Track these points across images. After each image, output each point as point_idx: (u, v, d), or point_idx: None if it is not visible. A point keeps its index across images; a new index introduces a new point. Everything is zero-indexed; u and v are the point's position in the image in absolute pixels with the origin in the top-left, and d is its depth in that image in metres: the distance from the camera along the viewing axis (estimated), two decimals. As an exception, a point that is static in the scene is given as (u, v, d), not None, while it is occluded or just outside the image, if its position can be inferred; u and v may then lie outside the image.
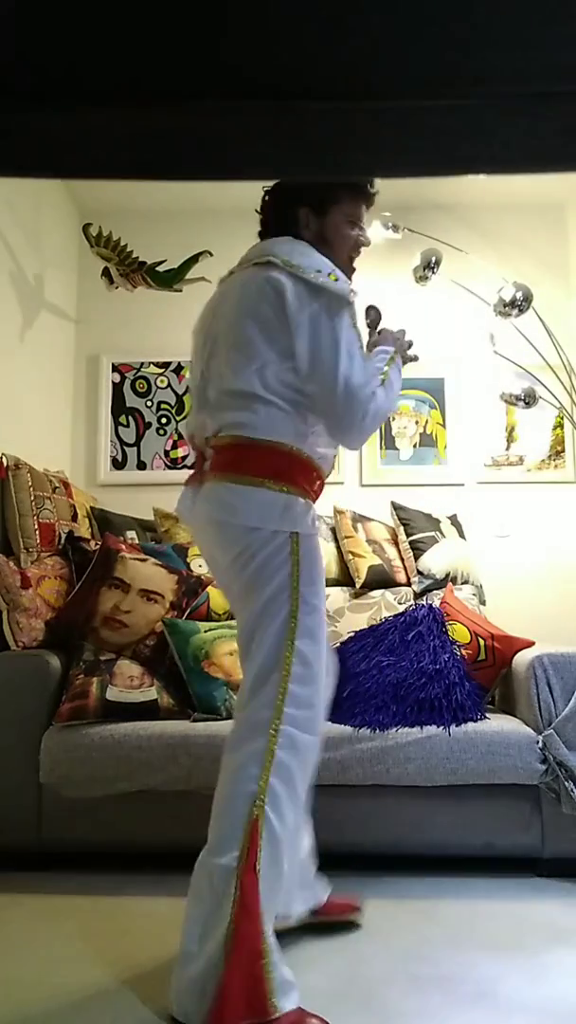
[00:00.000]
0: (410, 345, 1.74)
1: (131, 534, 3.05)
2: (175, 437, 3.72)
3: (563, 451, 3.63)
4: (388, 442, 3.66)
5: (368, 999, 1.56)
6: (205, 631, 2.52)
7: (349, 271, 1.71)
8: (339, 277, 1.56)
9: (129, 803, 2.22)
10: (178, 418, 3.73)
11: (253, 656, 1.52)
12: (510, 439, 3.66)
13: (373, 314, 1.77)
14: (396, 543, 3.26)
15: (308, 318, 1.52)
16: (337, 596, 3.01)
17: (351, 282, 1.63)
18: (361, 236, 1.73)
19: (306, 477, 1.59)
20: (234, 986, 1.36)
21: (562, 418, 3.55)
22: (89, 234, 3.39)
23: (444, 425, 3.69)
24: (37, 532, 2.71)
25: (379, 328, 1.76)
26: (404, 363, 1.71)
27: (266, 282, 1.54)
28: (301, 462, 1.58)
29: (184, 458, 3.69)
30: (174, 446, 3.71)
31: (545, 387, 3.33)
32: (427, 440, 3.67)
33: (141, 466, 3.70)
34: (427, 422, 3.68)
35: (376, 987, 1.61)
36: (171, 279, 3.47)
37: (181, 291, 3.49)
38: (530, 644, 2.50)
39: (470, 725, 2.24)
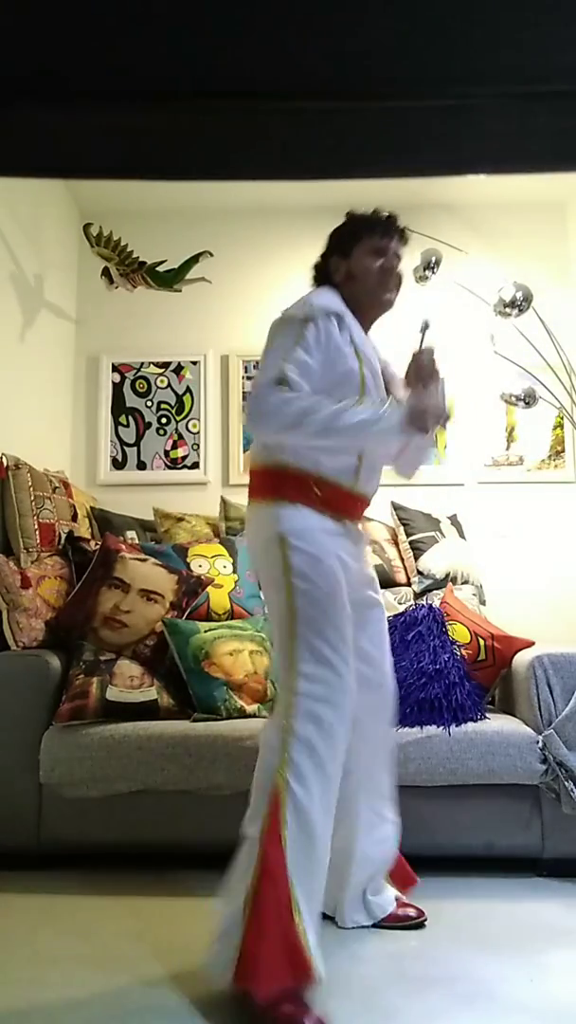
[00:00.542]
0: (439, 420, 1.76)
1: (131, 534, 3.05)
2: (175, 437, 3.72)
3: (563, 451, 3.63)
4: (388, 442, 3.66)
5: (368, 999, 1.56)
6: (205, 631, 2.52)
7: (382, 300, 1.83)
8: (312, 302, 1.72)
9: (129, 803, 2.22)
10: (178, 418, 3.73)
11: (275, 648, 1.75)
12: (510, 439, 3.66)
13: (423, 324, 1.84)
14: (396, 543, 3.26)
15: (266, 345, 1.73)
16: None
17: (388, 310, 1.85)
18: (385, 262, 1.81)
19: (299, 488, 1.72)
20: (261, 948, 1.42)
21: (562, 418, 3.55)
22: (90, 234, 3.39)
23: (444, 425, 3.68)
24: (37, 532, 2.71)
25: (424, 337, 1.83)
26: (417, 433, 1.72)
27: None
28: (296, 477, 1.73)
29: (184, 458, 3.70)
30: (174, 446, 3.71)
31: (545, 387, 3.33)
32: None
33: (141, 466, 3.70)
34: (427, 422, 3.67)
35: (376, 987, 1.61)
36: (171, 279, 3.47)
37: (181, 291, 3.49)
38: (530, 644, 2.50)
39: (470, 725, 2.24)
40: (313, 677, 1.60)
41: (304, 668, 1.61)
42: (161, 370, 3.76)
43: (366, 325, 1.86)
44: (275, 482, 1.74)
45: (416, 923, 1.87)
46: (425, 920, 1.88)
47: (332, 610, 1.65)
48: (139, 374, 3.76)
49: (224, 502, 3.26)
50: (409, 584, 3.13)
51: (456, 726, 2.22)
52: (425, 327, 1.82)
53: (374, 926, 1.86)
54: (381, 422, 1.65)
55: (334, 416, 1.61)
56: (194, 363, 3.75)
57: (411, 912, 1.89)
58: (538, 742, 2.19)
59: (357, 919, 1.86)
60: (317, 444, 1.67)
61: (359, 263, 1.81)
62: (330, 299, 1.77)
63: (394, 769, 1.94)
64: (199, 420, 3.71)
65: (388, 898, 1.89)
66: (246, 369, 3.73)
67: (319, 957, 1.46)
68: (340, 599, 1.66)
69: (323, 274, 1.88)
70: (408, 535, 3.24)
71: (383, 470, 1.91)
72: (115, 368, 3.77)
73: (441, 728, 2.22)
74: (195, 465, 3.68)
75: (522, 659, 2.40)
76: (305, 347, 1.67)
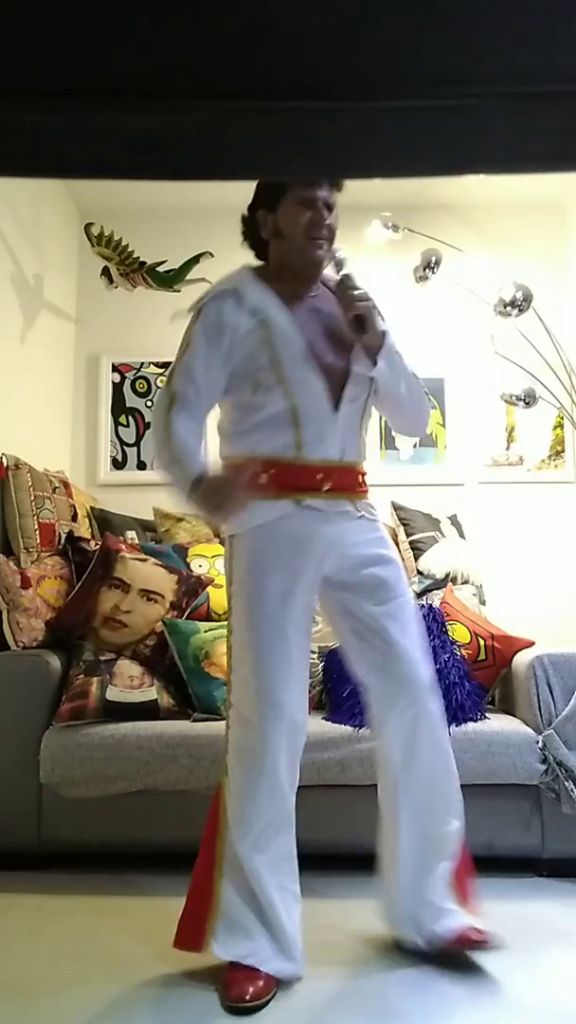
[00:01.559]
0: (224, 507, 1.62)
1: (131, 534, 3.05)
2: (175, 437, 3.71)
3: (563, 451, 3.63)
4: (388, 442, 3.66)
5: (368, 999, 1.56)
6: (205, 631, 2.52)
7: (311, 254, 1.71)
8: (214, 290, 1.72)
9: (129, 803, 2.22)
10: (178, 418, 3.72)
11: None
12: (510, 439, 3.65)
13: (337, 260, 1.75)
14: (396, 543, 3.26)
15: None
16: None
17: (320, 264, 1.73)
18: (314, 214, 1.67)
19: (253, 481, 1.65)
20: (185, 912, 1.65)
21: (562, 418, 3.55)
22: (91, 234, 3.39)
23: (444, 425, 3.68)
24: (37, 532, 2.71)
25: (343, 272, 1.73)
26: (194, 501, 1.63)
27: None
28: (236, 465, 1.67)
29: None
30: (174, 446, 3.70)
31: (545, 387, 3.32)
32: (427, 440, 3.66)
33: (141, 466, 3.70)
34: (427, 422, 3.68)
35: (376, 987, 1.61)
36: (172, 279, 3.47)
37: (179, 291, 3.49)
38: (530, 644, 2.50)
39: (470, 725, 2.24)
40: (236, 686, 1.67)
41: (233, 676, 1.69)
42: (161, 370, 3.76)
43: (300, 285, 1.74)
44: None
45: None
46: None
47: (259, 616, 1.63)
48: (139, 374, 3.76)
49: (224, 502, 3.26)
50: (409, 584, 3.13)
51: (456, 726, 2.22)
52: (340, 263, 1.73)
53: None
54: (176, 485, 1.64)
55: (159, 461, 1.68)
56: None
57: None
58: (538, 742, 2.19)
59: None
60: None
61: (285, 217, 1.70)
62: (228, 277, 1.74)
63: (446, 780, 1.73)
64: (199, 420, 3.71)
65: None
66: (246, 369, 3.73)
67: (227, 933, 1.59)
68: (267, 611, 1.62)
69: (251, 228, 1.79)
70: (408, 535, 3.24)
71: (384, 471, 1.84)
72: (115, 368, 3.77)
73: (441, 728, 2.22)
74: (195, 465, 3.68)
75: (522, 659, 2.40)
76: (191, 346, 1.69)
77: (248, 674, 1.64)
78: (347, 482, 1.72)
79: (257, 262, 1.82)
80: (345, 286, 1.69)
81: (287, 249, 1.73)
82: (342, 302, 1.70)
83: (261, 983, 1.54)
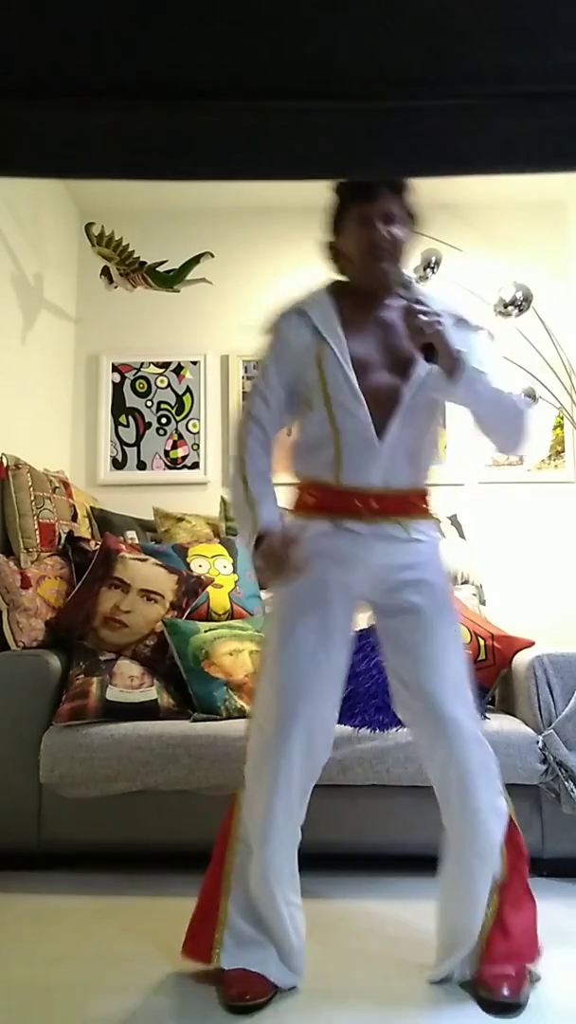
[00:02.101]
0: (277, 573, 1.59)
1: (131, 534, 3.05)
2: (175, 437, 3.72)
3: (563, 451, 3.63)
4: (388, 442, 3.66)
5: (369, 999, 1.56)
6: (205, 631, 2.52)
7: (375, 272, 1.65)
8: (285, 307, 1.70)
9: (129, 803, 2.22)
10: (178, 418, 3.73)
11: None
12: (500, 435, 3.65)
13: (406, 281, 1.71)
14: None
15: None
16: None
17: (387, 281, 1.65)
18: (374, 232, 1.62)
19: (301, 498, 1.70)
20: (193, 920, 1.66)
21: (562, 418, 3.55)
22: (91, 233, 3.39)
23: (444, 425, 3.68)
24: (37, 532, 2.71)
25: (410, 297, 1.63)
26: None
27: None
28: (298, 489, 1.72)
29: (184, 458, 3.69)
30: (174, 446, 3.71)
31: (545, 387, 3.32)
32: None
33: (141, 466, 3.70)
34: (427, 422, 3.67)
35: (377, 987, 1.61)
36: (172, 280, 3.47)
37: (179, 291, 3.49)
38: (530, 644, 2.50)
39: (470, 725, 2.24)
40: (257, 697, 1.68)
41: (258, 683, 1.70)
42: (161, 370, 3.76)
43: (371, 300, 1.68)
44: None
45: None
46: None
47: (286, 636, 1.62)
48: (139, 374, 3.76)
49: (224, 502, 3.26)
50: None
51: (456, 726, 2.22)
52: (406, 286, 1.67)
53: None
54: (242, 528, 1.66)
55: (232, 490, 1.67)
56: (194, 363, 3.75)
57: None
58: (538, 742, 2.19)
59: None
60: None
61: (347, 239, 1.67)
62: (304, 294, 1.71)
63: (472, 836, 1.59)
64: (199, 420, 3.71)
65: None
66: (246, 369, 3.73)
67: (234, 944, 1.59)
68: (297, 624, 1.61)
69: (331, 256, 1.75)
70: (408, 535, 3.23)
71: (418, 456, 1.67)
72: (115, 368, 3.77)
73: (441, 728, 2.21)
74: (195, 465, 3.68)
75: (522, 659, 2.39)
76: (265, 366, 1.69)
77: (269, 684, 1.62)
78: (394, 507, 1.64)
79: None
80: (411, 312, 1.58)
81: (353, 269, 1.69)
82: (408, 331, 1.60)
83: (259, 985, 1.55)
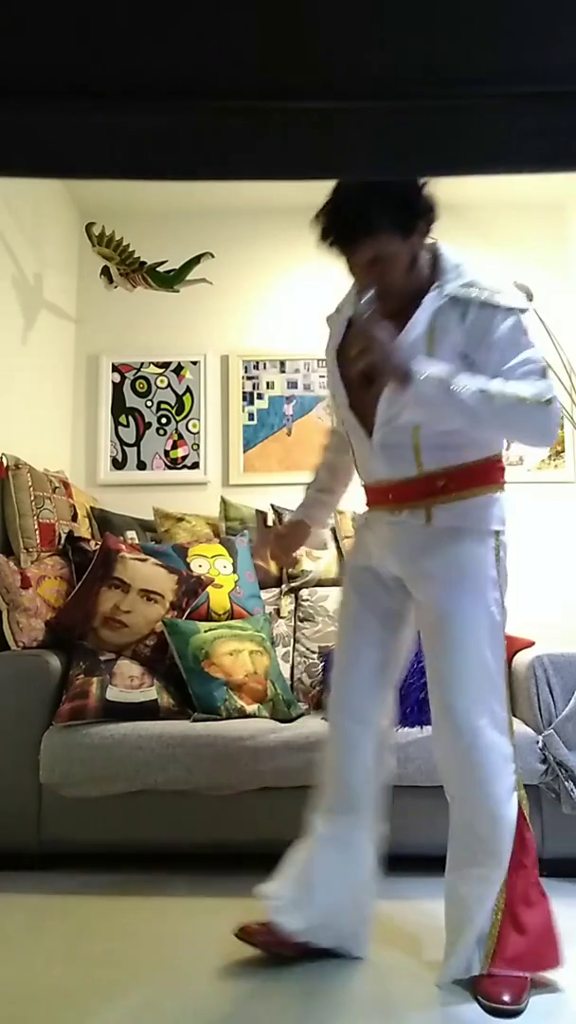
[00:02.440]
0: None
1: (131, 534, 3.05)
2: (175, 437, 3.72)
3: (563, 451, 3.63)
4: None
5: (369, 998, 1.56)
6: (205, 631, 2.52)
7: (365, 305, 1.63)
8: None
9: (129, 803, 2.22)
10: (178, 418, 3.73)
11: None
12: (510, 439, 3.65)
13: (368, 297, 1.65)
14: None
15: None
16: (337, 596, 3.01)
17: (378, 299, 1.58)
18: (356, 278, 1.65)
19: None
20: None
21: (562, 418, 3.55)
22: (92, 233, 3.38)
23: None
24: (37, 532, 2.71)
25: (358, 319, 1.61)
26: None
27: None
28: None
29: (184, 458, 3.69)
30: (174, 446, 3.71)
31: (545, 387, 3.32)
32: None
33: (141, 466, 3.70)
34: (427, 422, 3.67)
35: (377, 986, 1.61)
36: (172, 280, 3.47)
37: (179, 291, 3.49)
38: (530, 644, 2.50)
39: (470, 725, 2.24)
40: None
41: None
42: (161, 370, 3.76)
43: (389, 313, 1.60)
44: None
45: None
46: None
47: (341, 624, 1.84)
48: (139, 374, 3.76)
49: (224, 502, 3.26)
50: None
51: (456, 726, 2.22)
52: (360, 311, 1.59)
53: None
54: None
55: None
56: (194, 363, 3.75)
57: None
58: (538, 742, 2.19)
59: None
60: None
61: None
62: (339, 303, 1.83)
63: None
64: (199, 420, 3.71)
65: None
66: (246, 369, 3.73)
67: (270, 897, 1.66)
68: (344, 608, 1.84)
69: None
70: (408, 535, 3.23)
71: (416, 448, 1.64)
72: (115, 368, 3.77)
73: (441, 728, 2.21)
74: (195, 465, 3.68)
75: (522, 659, 2.39)
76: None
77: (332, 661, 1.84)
78: (409, 494, 1.65)
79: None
80: (355, 335, 1.59)
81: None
82: (356, 335, 1.59)
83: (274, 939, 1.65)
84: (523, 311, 1.60)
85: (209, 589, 2.74)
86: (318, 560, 3.10)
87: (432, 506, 1.64)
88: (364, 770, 1.71)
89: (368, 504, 1.79)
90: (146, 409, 3.74)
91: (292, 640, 2.89)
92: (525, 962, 1.57)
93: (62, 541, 2.76)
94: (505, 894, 1.59)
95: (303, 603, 2.98)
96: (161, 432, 3.72)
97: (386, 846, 1.79)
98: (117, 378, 3.77)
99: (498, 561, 1.64)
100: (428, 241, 1.69)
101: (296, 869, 1.69)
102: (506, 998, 1.51)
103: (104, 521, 3.08)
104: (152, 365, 3.77)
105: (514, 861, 1.61)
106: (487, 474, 1.70)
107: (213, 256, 3.48)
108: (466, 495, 1.64)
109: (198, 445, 3.69)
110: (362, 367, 1.55)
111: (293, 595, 3.02)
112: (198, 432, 3.71)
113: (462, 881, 1.62)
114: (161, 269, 3.47)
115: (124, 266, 3.43)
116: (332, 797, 1.72)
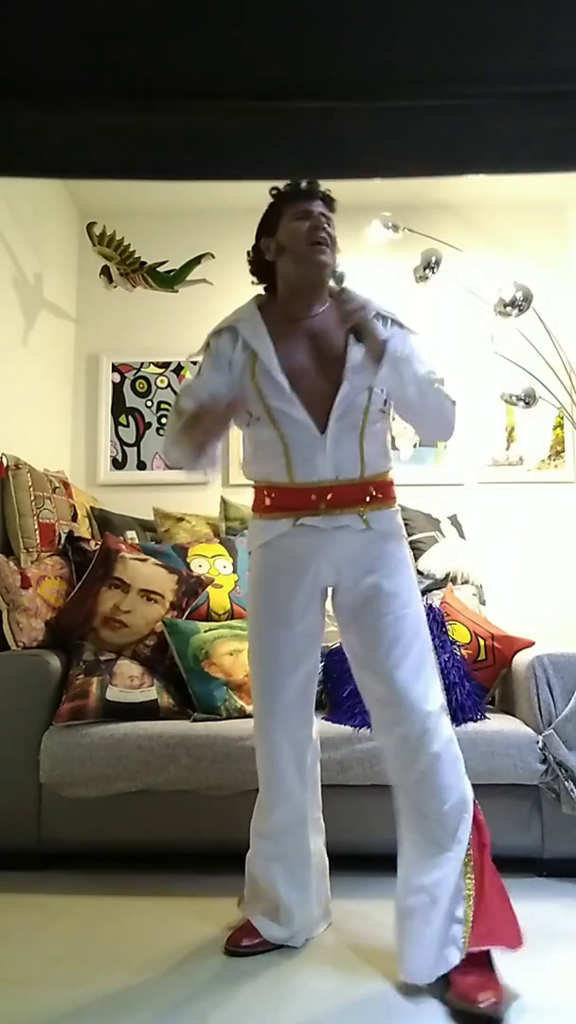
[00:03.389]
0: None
1: (131, 534, 3.05)
2: (175, 437, 3.71)
3: (563, 451, 3.63)
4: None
5: (369, 998, 1.56)
6: (205, 631, 2.52)
7: (314, 262, 1.74)
8: (218, 326, 1.86)
9: (129, 803, 2.22)
10: (178, 418, 3.73)
11: None
12: (510, 439, 3.65)
13: (337, 276, 1.80)
14: (396, 543, 3.26)
15: None
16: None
17: (324, 272, 1.75)
18: (312, 221, 1.74)
19: (260, 500, 1.82)
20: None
21: (562, 418, 3.55)
22: (92, 233, 3.38)
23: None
24: (37, 532, 2.71)
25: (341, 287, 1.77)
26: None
27: None
28: (256, 492, 1.84)
29: (184, 458, 3.69)
30: (174, 446, 3.70)
31: (545, 387, 3.32)
32: (427, 440, 3.66)
33: (141, 466, 3.70)
34: (427, 422, 3.67)
35: (377, 986, 1.61)
36: (172, 280, 3.47)
37: (179, 292, 3.49)
38: (530, 644, 2.50)
39: (470, 725, 2.24)
40: (254, 696, 1.84)
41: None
42: (161, 370, 3.76)
43: (304, 304, 1.79)
44: None
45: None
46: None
47: (263, 631, 1.80)
48: (139, 374, 3.76)
49: (224, 502, 3.26)
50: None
51: (456, 726, 2.21)
52: (339, 278, 1.77)
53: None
54: (180, 431, 1.74)
55: (171, 452, 1.82)
56: (194, 363, 3.74)
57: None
58: (538, 742, 2.19)
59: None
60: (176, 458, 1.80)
61: (285, 231, 1.77)
62: (235, 311, 1.86)
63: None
64: (199, 420, 3.71)
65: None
66: (246, 369, 3.73)
67: (253, 899, 1.82)
68: (267, 620, 1.78)
69: (257, 261, 1.87)
70: (408, 535, 3.23)
71: (365, 451, 1.76)
72: (115, 368, 3.77)
73: (441, 728, 2.22)
74: (195, 465, 3.68)
75: (522, 659, 2.40)
76: (198, 371, 1.85)
77: (253, 677, 1.82)
78: (348, 498, 1.73)
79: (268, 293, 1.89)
80: (341, 299, 1.71)
81: (291, 262, 1.77)
82: (340, 315, 1.72)
83: (257, 940, 1.77)
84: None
85: (209, 589, 2.74)
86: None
87: (365, 513, 1.75)
88: (303, 778, 1.83)
89: (286, 509, 1.75)
90: (146, 409, 3.74)
91: (292, 640, 2.88)
92: (494, 936, 1.57)
93: (62, 541, 2.76)
94: (474, 878, 1.62)
95: (303, 603, 2.98)
96: (161, 432, 3.72)
97: (385, 846, 1.79)
98: (117, 378, 3.77)
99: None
100: None
101: (264, 884, 1.82)
102: (482, 1005, 1.47)
103: (104, 521, 3.08)
104: (152, 365, 3.77)
105: (476, 842, 1.65)
106: (393, 487, 1.85)
107: (213, 256, 3.48)
108: (385, 506, 1.79)
109: (198, 445, 3.69)
110: (354, 321, 1.68)
111: (293, 595, 3.02)
112: (198, 432, 3.70)
113: (423, 872, 1.63)
114: (161, 269, 3.46)
115: (124, 266, 3.43)
116: (277, 809, 1.81)
